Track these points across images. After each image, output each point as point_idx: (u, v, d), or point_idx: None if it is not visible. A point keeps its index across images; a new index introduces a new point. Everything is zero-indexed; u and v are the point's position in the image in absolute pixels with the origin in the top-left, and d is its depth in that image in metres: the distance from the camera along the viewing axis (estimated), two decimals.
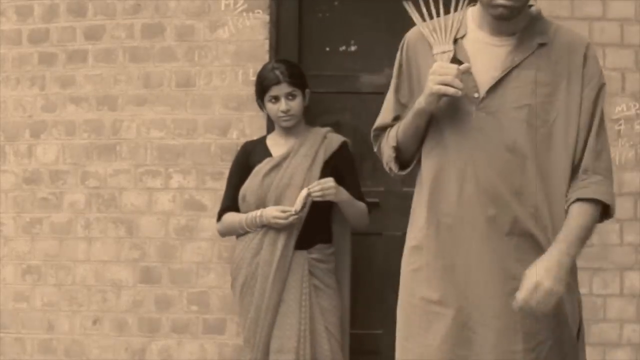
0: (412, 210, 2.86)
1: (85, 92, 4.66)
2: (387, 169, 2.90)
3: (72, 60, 4.67)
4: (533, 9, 2.77)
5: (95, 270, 4.63)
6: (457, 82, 2.63)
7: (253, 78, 4.27)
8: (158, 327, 4.57)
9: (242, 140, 4.36)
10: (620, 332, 4.38)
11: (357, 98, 4.59)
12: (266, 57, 4.49)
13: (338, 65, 4.66)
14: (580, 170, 2.71)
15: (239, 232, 4.08)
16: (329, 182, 3.94)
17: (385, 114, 2.91)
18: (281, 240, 3.96)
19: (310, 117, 4.29)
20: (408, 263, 2.83)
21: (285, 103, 4.03)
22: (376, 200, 4.46)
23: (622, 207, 4.14)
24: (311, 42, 4.66)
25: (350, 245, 4.17)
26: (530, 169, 2.68)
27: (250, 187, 4.05)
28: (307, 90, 4.11)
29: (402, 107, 2.87)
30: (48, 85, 4.70)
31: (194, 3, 4.59)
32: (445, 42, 2.75)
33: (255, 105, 4.26)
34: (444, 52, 2.74)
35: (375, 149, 2.97)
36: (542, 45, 2.73)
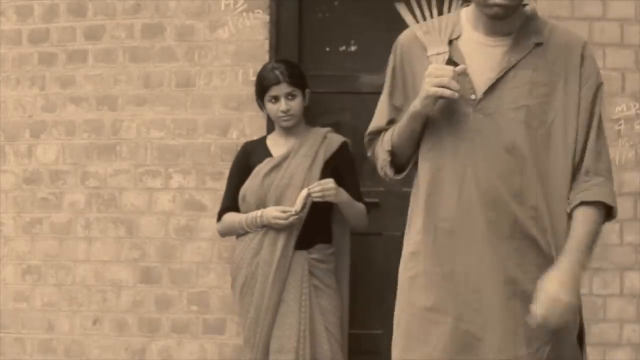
0: (409, 214, 2.82)
1: (85, 92, 4.66)
2: (381, 173, 2.85)
3: (72, 60, 4.67)
4: (527, 8, 2.73)
5: (95, 270, 4.63)
6: (454, 84, 2.60)
7: (253, 78, 4.26)
8: (158, 327, 4.57)
9: (242, 140, 4.35)
10: (620, 332, 4.37)
11: (357, 98, 4.58)
12: (266, 57, 4.49)
13: (338, 65, 4.65)
14: (582, 172, 2.69)
15: (239, 232, 4.08)
16: (329, 182, 3.94)
17: (379, 118, 2.87)
18: (281, 240, 3.96)
19: (310, 117, 4.28)
20: (405, 270, 2.79)
21: (285, 103, 4.03)
22: (376, 200, 4.45)
23: (622, 207, 4.06)
24: (311, 42, 4.66)
25: (350, 245, 4.16)
26: (530, 170, 2.65)
27: (250, 187, 4.04)
28: (307, 90, 4.11)
29: (396, 111, 2.82)
30: (48, 85, 4.70)
31: (194, 3, 4.59)
32: (439, 44, 2.71)
33: (255, 105, 4.26)
34: (438, 54, 2.70)
35: (369, 154, 2.92)
36: (538, 45, 2.70)
